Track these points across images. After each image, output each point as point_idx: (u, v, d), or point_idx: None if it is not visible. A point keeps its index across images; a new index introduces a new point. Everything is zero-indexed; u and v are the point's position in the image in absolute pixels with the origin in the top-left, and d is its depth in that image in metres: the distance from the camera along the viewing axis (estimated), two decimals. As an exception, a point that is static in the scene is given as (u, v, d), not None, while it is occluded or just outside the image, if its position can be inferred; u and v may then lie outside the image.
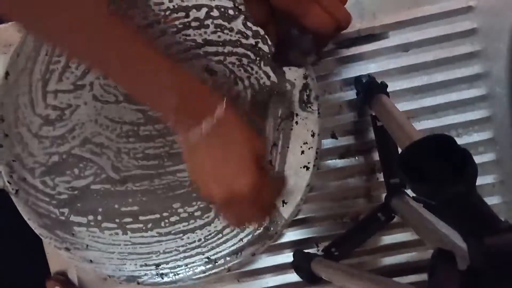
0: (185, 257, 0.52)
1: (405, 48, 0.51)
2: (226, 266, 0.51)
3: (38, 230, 0.51)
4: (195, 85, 0.39)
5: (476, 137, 0.52)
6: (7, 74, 0.48)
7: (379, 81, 0.48)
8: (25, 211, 0.51)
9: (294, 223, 0.54)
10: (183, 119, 0.38)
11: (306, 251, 0.53)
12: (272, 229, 0.51)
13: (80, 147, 0.51)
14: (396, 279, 0.51)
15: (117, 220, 0.52)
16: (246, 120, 0.41)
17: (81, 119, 0.51)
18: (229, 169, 0.39)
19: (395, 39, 0.51)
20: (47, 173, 0.51)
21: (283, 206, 0.51)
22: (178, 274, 0.51)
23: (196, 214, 0.52)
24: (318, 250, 0.54)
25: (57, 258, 0.55)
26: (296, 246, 0.54)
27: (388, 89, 0.47)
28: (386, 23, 0.51)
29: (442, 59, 0.51)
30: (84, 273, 0.55)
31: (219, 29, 0.49)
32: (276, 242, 0.54)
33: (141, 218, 0.52)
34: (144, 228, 0.52)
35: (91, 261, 0.51)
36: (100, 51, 0.35)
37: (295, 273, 0.52)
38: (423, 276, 0.51)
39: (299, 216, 0.53)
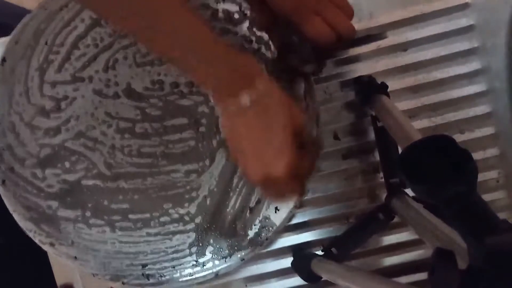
0: (173, 259, 0.51)
1: (403, 47, 0.51)
2: (214, 270, 0.50)
3: (23, 223, 0.50)
4: (238, 55, 0.38)
5: (478, 133, 0.52)
6: (3, 60, 0.48)
7: (379, 81, 0.48)
8: (12, 202, 0.49)
9: (300, 226, 0.53)
10: (223, 88, 0.37)
11: (306, 250, 0.52)
12: (263, 235, 0.50)
13: (73, 140, 0.50)
14: (396, 279, 0.51)
15: (105, 217, 0.51)
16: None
17: (77, 111, 0.50)
18: (269, 149, 0.38)
19: (393, 38, 0.51)
20: (38, 165, 0.50)
21: (275, 212, 0.50)
22: (164, 275, 0.50)
23: (186, 217, 0.51)
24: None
25: (63, 270, 0.54)
26: (303, 249, 0.54)
27: (388, 89, 0.47)
28: (384, 23, 0.51)
29: (441, 56, 0.51)
30: (91, 285, 0.54)
31: (223, 32, 0.49)
32: (283, 246, 0.53)
33: (130, 216, 0.51)
34: (133, 227, 0.51)
35: (75, 257, 0.50)
36: (148, 13, 0.34)
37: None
38: (423, 276, 0.51)
39: (305, 219, 0.53)
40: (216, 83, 0.37)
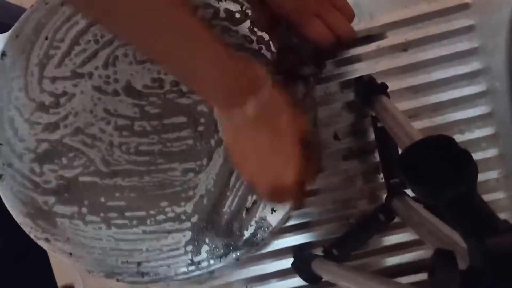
0: (168, 257, 0.50)
1: (403, 47, 0.51)
2: (208, 269, 0.50)
3: (19, 219, 0.49)
4: (240, 61, 0.35)
5: (478, 133, 0.51)
6: (3, 54, 0.48)
7: (379, 81, 0.48)
8: (9, 198, 0.49)
9: (300, 226, 0.53)
10: (225, 97, 0.35)
11: (307, 251, 0.52)
12: (258, 235, 0.50)
13: (71, 136, 0.50)
14: (397, 279, 0.51)
15: (102, 214, 0.50)
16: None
17: (75, 108, 0.50)
18: (277, 160, 0.36)
19: (393, 38, 0.51)
20: (36, 160, 0.50)
21: (272, 213, 0.50)
22: (159, 274, 0.50)
23: (182, 216, 0.51)
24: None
25: (63, 271, 0.53)
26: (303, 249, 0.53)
27: (389, 89, 0.47)
28: (384, 23, 0.51)
29: (441, 57, 0.51)
30: (92, 285, 0.53)
31: (224, 31, 0.49)
32: (284, 246, 0.53)
33: (126, 214, 0.51)
34: (129, 224, 0.50)
35: (70, 254, 0.50)
36: (140, 15, 0.29)
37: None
38: (424, 276, 0.50)
39: (305, 220, 0.53)
40: (220, 92, 0.35)
